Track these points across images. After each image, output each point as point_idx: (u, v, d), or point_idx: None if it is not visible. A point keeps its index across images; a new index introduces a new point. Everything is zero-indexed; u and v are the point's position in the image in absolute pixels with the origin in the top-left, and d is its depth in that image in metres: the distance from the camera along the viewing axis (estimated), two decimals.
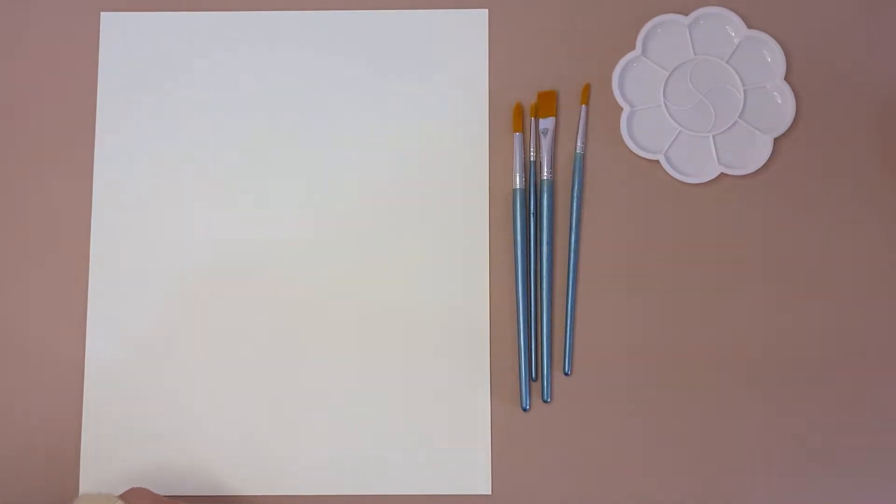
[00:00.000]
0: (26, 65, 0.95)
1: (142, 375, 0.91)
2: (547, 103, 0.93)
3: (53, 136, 0.94)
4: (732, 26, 0.94)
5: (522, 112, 0.94)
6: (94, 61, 0.95)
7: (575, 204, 0.92)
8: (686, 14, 0.94)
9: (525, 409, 0.89)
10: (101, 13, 0.96)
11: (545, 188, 0.92)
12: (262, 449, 0.90)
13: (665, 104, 0.94)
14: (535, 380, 0.90)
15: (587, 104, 0.94)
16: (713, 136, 0.93)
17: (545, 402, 0.90)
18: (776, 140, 0.93)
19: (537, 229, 0.92)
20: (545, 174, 0.92)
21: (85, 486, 0.89)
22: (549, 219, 0.92)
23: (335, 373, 0.91)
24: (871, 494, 0.88)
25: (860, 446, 0.89)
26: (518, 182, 0.92)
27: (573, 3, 0.95)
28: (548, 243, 0.91)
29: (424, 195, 0.93)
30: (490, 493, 0.89)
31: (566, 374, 0.90)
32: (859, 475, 0.89)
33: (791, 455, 0.89)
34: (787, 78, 0.93)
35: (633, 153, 0.93)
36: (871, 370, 0.90)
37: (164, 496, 0.86)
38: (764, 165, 0.92)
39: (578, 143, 0.92)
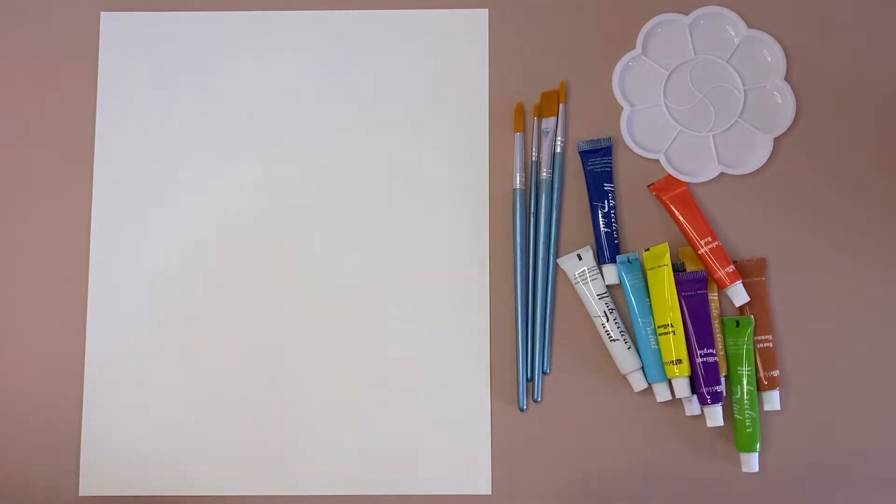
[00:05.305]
0: (26, 65, 0.95)
1: (142, 375, 0.91)
2: (549, 103, 0.93)
3: (53, 135, 0.94)
4: (732, 26, 0.94)
5: (523, 112, 0.94)
6: (94, 61, 0.95)
7: (554, 202, 0.92)
8: (686, 13, 0.94)
9: (522, 410, 0.89)
10: (101, 13, 0.96)
11: (544, 188, 0.92)
12: (263, 449, 0.90)
13: (665, 104, 0.94)
14: (532, 380, 0.90)
15: (565, 103, 0.93)
16: (713, 136, 0.93)
17: (535, 401, 0.90)
18: (776, 140, 0.93)
19: (537, 229, 0.92)
20: (544, 174, 0.92)
21: (85, 486, 0.90)
22: (549, 218, 0.92)
23: (335, 373, 0.91)
24: None
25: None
26: (518, 182, 0.92)
27: (573, 3, 0.95)
28: (545, 243, 0.91)
29: (425, 195, 0.93)
30: (490, 493, 0.89)
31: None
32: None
33: (787, 451, 0.89)
34: (787, 78, 0.93)
35: (633, 153, 0.93)
36: (851, 372, 0.90)
37: None
38: (764, 165, 0.92)
39: (558, 142, 0.92)
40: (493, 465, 0.89)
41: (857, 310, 0.91)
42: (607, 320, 0.88)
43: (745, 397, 0.87)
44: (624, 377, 0.90)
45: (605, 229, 0.90)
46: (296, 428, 0.90)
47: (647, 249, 0.89)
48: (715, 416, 0.87)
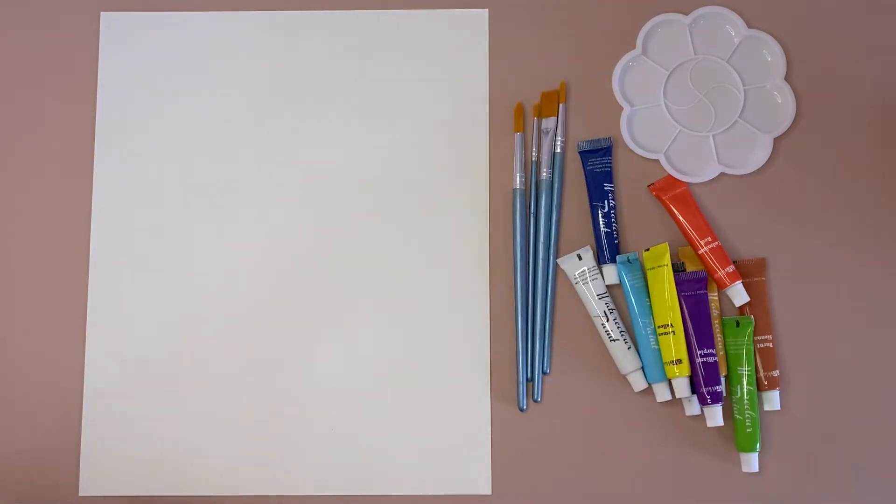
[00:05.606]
0: (26, 65, 0.95)
1: (142, 375, 0.91)
2: (549, 103, 0.93)
3: (53, 135, 0.94)
4: (733, 26, 0.94)
5: (523, 112, 0.94)
6: (94, 61, 0.95)
7: (554, 202, 0.92)
8: (686, 13, 0.94)
9: (522, 410, 0.89)
10: (101, 13, 0.96)
11: (544, 188, 0.92)
12: (263, 449, 0.90)
13: (665, 104, 0.94)
14: (532, 380, 0.90)
15: (565, 103, 0.93)
16: (713, 136, 0.93)
17: (535, 401, 0.90)
18: (776, 140, 0.93)
19: (537, 229, 0.92)
20: (544, 174, 0.92)
21: (85, 486, 0.89)
22: (549, 218, 0.92)
23: (335, 374, 0.91)
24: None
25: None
26: (518, 182, 0.92)
27: (573, 3, 0.95)
28: (545, 243, 0.91)
29: (425, 195, 0.93)
30: (490, 493, 0.89)
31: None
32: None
33: (787, 451, 0.89)
34: (787, 78, 0.93)
35: (633, 153, 0.93)
36: (865, 372, 0.90)
37: None
38: (764, 165, 0.92)
39: (558, 142, 0.92)
40: (493, 465, 0.89)
41: (857, 310, 0.91)
42: (607, 320, 0.89)
43: (745, 397, 0.87)
44: (624, 377, 0.90)
45: (605, 229, 0.90)
46: (296, 428, 0.90)
47: (647, 249, 0.89)
48: (715, 416, 0.87)
